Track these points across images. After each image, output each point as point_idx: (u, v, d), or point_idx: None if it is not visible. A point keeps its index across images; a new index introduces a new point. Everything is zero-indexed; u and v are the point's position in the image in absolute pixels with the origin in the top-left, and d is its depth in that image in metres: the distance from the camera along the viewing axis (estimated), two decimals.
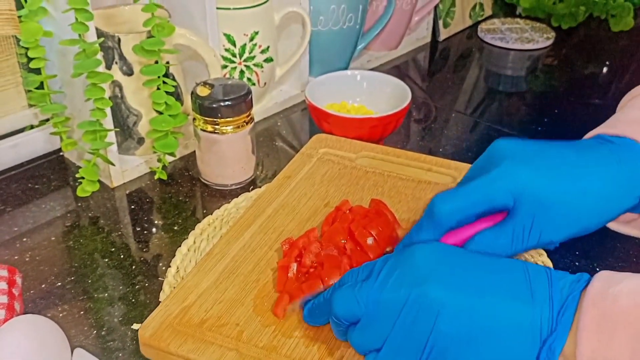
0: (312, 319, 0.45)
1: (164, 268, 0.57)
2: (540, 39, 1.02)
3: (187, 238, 0.57)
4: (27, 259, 0.57)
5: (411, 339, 0.38)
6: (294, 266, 0.50)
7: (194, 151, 0.70)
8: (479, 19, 1.09)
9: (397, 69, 0.95)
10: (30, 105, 0.67)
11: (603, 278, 0.37)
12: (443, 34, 1.03)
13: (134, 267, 0.57)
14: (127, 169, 0.67)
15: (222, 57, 0.72)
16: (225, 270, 0.51)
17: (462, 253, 0.41)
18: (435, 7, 1.00)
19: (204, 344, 0.44)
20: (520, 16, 1.11)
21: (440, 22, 1.02)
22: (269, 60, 0.75)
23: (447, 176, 0.62)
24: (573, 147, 0.45)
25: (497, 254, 0.42)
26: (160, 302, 0.51)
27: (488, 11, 1.11)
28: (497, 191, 0.43)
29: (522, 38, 1.02)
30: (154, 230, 0.61)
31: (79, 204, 0.64)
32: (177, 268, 0.54)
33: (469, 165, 0.62)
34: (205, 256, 0.52)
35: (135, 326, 0.51)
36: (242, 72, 0.74)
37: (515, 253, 0.43)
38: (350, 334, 0.41)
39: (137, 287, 0.54)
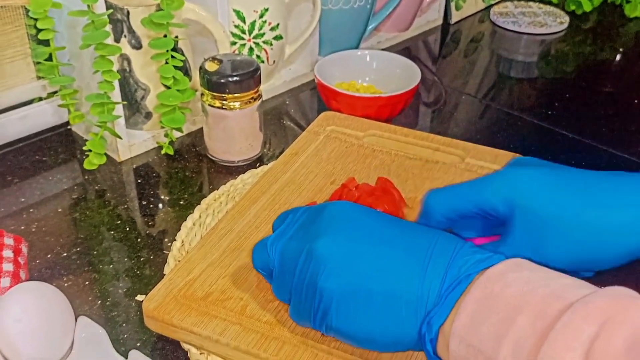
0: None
1: (169, 243, 0.57)
2: (554, 23, 1.00)
3: (193, 212, 0.57)
4: (33, 229, 0.57)
5: (306, 293, 0.39)
6: None
7: (201, 127, 0.69)
8: (492, 2, 1.08)
9: (408, 51, 0.94)
10: (39, 78, 0.67)
11: (511, 264, 0.35)
12: (455, 17, 1.01)
13: (139, 240, 0.57)
14: (134, 143, 0.67)
15: (232, 33, 0.72)
16: (230, 246, 0.51)
17: (375, 214, 0.41)
18: None
19: (208, 317, 0.44)
20: (533, 0, 1.10)
21: (452, 5, 1.00)
22: (278, 38, 0.75)
23: (455, 156, 0.62)
24: (592, 172, 0.41)
25: None
26: (164, 275, 0.51)
27: None
28: (490, 192, 0.41)
29: (535, 22, 1.01)
30: (159, 204, 0.61)
31: (86, 177, 0.64)
32: (182, 242, 0.54)
33: (477, 146, 0.63)
34: (211, 231, 0.52)
35: (139, 297, 0.51)
36: (251, 49, 0.73)
37: None
38: (272, 284, 0.43)
39: (142, 259, 0.55)
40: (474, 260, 0.36)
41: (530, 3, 1.08)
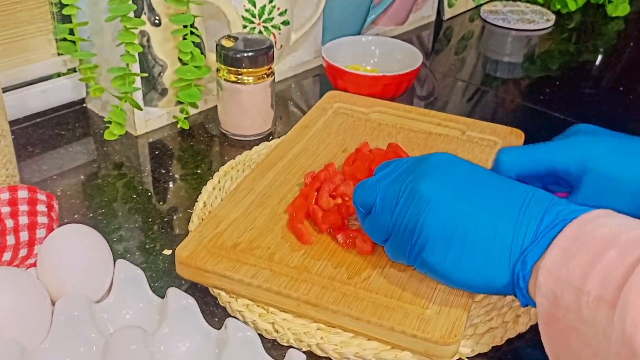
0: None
1: (187, 208, 0.59)
2: (541, 20, 1.06)
3: (212, 178, 0.60)
4: (59, 193, 0.59)
5: (405, 228, 0.41)
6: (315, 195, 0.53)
7: (214, 106, 0.72)
8: (482, 1, 1.13)
9: None
10: (59, 54, 0.69)
11: (603, 212, 0.37)
12: (448, 13, 1.06)
13: (161, 204, 0.59)
14: (149, 118, 0.69)
15: (242, 17, 0.75)
16: (254, 203, 0.54)
17: (477, 167, 0.43)
18: None
19: (238, 263, 0.47)
20: (520, 0, 1.15)
21: (445, 2, 1.05)
22: (286, 23, 0.78)
23: (456, 130, 0.65)
24: None
25: None
26: (190, 232, 0.54)
27: None
28: (563, 155, 0.46)
29: (523, 19, 1.06)
30: (176, 176, 0.64)
31: (104, 149, 0.67)
32: (204, 203, 0.57)
33: (476, 120, 0.66)
34: (233, 190, 0.55)
35: (166, 252, 0.53)
36: (260, 32, 0.77)
37: None
38: (365, 222, 0.45)
39: (165, 219, 0.57)
40: (570, 209, 0.38)
41: (518, 2, 1.13)
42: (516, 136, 0.64)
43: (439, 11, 1.06)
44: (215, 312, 0.47)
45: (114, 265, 0.45)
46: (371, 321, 0.43)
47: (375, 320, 0.43)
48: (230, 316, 0.46)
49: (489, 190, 0.41)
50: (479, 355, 0.45)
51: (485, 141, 0.64)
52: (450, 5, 1.06)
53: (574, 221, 0.37)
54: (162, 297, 0.44)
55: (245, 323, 0.44)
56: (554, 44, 1.03)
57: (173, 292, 0.43)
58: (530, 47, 1.02)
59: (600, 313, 0.33)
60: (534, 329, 0.47)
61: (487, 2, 1.13)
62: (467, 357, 0.44)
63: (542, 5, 1.12)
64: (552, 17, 1.07)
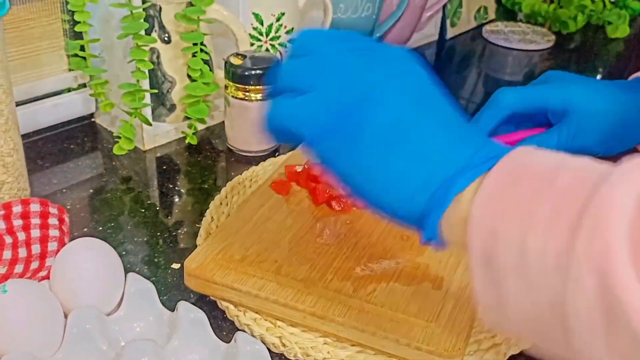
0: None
1: (194, 223, 0.60)
2: (542, 41, 1.07)
3: (220, 193, 0.61)
4: (68, 207, 0.60)
5: (348, 121, 0.35)
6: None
7: (221, 122, 0.73)
8: (483, 21, 1.14)
9: None
10: (70, 70, 0.71)
11: (534, 148, 0.34)
12: (450, 33, 1.08)
13: (167, 218, 0.60)
14: (157, 133, 0.70)
15: (250, 35, 0.76)
16: (262, 216, 0.55)
17: (432, 84, 0.39)
18: (444, 7, 1.05)
19: (246, 276, 0.48)
20: (521, 21, 1.17)
21: (448, 22, 1.07)
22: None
23: None
24: (615, 82, 0.57)
25: None
26: (198, 245, 0.55)
27: (492, 15, 1.17)
28: (553, 94, 0.53)
29: (524, 39, 1.07)
30: (181, 190, 0.65)
31: (113, 163, 0.68)
32: (212, 217, 0.58)
33: None
34: (241, 205, 0.56)
35: (174, 265, 0.54)
36: (267, 50, 0.78)
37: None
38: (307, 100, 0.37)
39: (173, 234, 0.58)
40: (504, 147, 0.35)
41: (520, 23, 1.15)
42: None
43: (442, 30, 1.08)
44: (223, 326, 0.48)
45: (125, 279, 0.46)
46: (376, 333, 0.44)
47: (381, 332, 0.44)
48: (239, 330, 0.47)
49: (439, 105, 0.37)
50: None
51: None
52: (452, 25, 1.08)
53: (509, 154, 0.33)
54: (171, 310, 0.45)
55: (253, 336, 0.45)
56: (554, 63, 1.04)
57: (183, 306, 0.44)
58: (530, 66, 1.03)
59: (554, 243, 0.29)
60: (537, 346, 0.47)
61: (488, 22, 1.15)
62: None
63: (542, 25, 1.14)
64: (553, 37, 1.09)
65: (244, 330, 0.46)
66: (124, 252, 0.55)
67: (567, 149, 0.49)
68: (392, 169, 0.35)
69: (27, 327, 0.40)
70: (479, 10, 1.13)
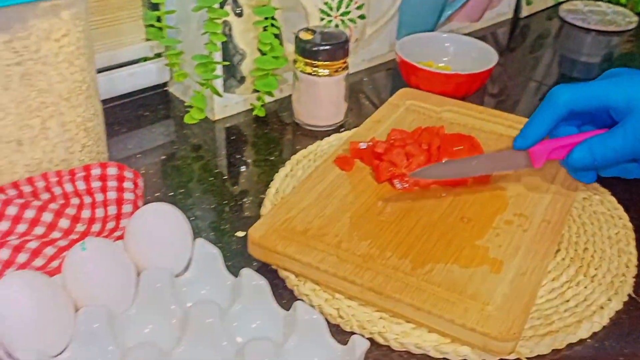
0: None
1: (259, 192, 0.62)
2: (622, 22, 1.03)
3: (285, 166, 0.63)
4: (142, 171, 0.63)
5: None
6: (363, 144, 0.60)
7: (288, 95, 0.75)
8: (561, 0, 1.11)
9: None
10: (147, 40, 0.73)
11: None
12: (525, 11, 1.05)
13: (233, 187, 0.62)
14: (227, 104, 0.73)
15: (320, 10, 0.77)
16: (325, 191, 0.56)
17: None
18: None
19: (308, 248, 0.50)
20: (602, 0, 1.13)
21: (523, 0, 1.04)
22: (362, 17, 0.80)
23: None
24: None
25: (600, 161, 0.48)
26: (261, 215, 0.57)
27: None
28: (615, 90, 0.49)
29: (604, 20, 1.03)
30: (250, 161, 0.67)
31: (184, 131, 0.70)
32: (277, 189, 0.60)
33: None
34: (306, 178, 0.58)
35: (239, 234, 0.56)
36: (337, 25, 0.78)
37: (624, 155, 0.49)
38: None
39: (239, 202, 0.60)
40: None
41: (600, 2, 1.10)
42: None
43: (517, 8, 1.05)
44: (283, 294, 0.50)
45: (193, 243, 0.48)
46: (432, 312, 0.45)
47: (436, 311, 0.45)
48: (298, 299, 0.49)
49: None
50: (538, 357, 0.46)
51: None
52: (528, 3, 1.05)
53: None
54: (235, 276, 0.47)
55: (312, 306, 0.47)
56: (635, 47, 1.00)
57: (246, 272, 0.46)
58: (610, 48, 1.00)
59: None
60: (596, 336, 0.47)
61: (566, 1, 1.11)
62: (526, 358, 0.45)
63: (624, 6, 1.09)
64: (635, 19, 1.04)
65: (302, 300, 0.48)
66: (192, 218, 0.57)
67: (633, 150, 0.48)
68: None
69: (103, 283, 0.43)
70: None
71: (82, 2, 0.54)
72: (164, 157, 0.66)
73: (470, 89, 0.74)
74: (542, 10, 1.08)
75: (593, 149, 0.49)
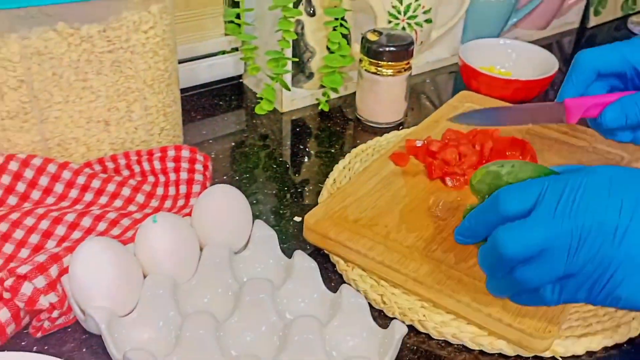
0: (465, 238, 0.43)
1: (318, 182, 0.63)
2: None
3: (344, 158, 0.64)
4: (212, 155, 0.65)
5: (594, 268, 0.36)
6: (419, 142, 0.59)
7: (352, 93, 0.75)
8: (630, 12, 1.06)
9: None
10: (226, 34, 0.75)
11: None
12: (592, 21, 1.01)
13: (296, 176, 0.64)
14: (295, 98, 0.74)
15: (389, 13, 0.77)
16: (379, 184, 0.56)
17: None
18: None
19: (358, 236, 0.50)
20: None
21: (592, 10, 1.00)
22: (428, 21, 0.79)
23: (583, 140, 0.64)
24: None
25: (634, 120, 0.47)
26: (318, 203, 0.58)
27: None
28: (637, 51, 0.47)
29: None
30: (312, 152, 0.68)
31: (253, 121, 0.72)
32: (334, 180, 0.61)
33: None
34: (362, 171, 0.58)
35: (296, 218, 0.57)
36: (403, 28, 0.78)
37: None
38: (525, 270, 0.38)
39: (299, 190, 0.61)
40: None
41: None
42: None
43: (584, 18, 1.01)
44: (332, 278, 0.51)
45: (253, 224, 0.50)
46: (471, 305, 0.45)
47: (475, 304, 0.45)
48: (345, 283, 0.50)
49: None
50: (573, 357, 0.45)
51: (612, 155, 0.62)
52: (596, 14, 1.01)
53: None
54: (289, 257, 0.49)
55: (358, 291, 0.48)
56: None
57: (299, 255, 0.47)
58: None
59: None
60: (633, 341, 0.46)
61: (636, 13, 1.06)
62: (561, 357, 0.44)
63: None
64: None
65: (349, 284, 0.49)
66: (254, 201, 0.59)
67: None
68: None
69: (169, 254, 0.45)
70: (627, 0, 1.05)
71: None
72: (233, 143, 0.68)
73: (529, 95, 0.72)
74: (611, 21, 1.04)
75: (625, 107, 0.48)
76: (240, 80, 0.79)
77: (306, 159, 0.67)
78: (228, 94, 0.77)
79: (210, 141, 0.68)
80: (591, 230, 0.36)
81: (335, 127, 0.72)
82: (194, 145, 0.67)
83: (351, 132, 0.72)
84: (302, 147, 0.68)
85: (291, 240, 0.55)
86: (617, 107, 0.48)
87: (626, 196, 0.36)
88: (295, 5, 0.69)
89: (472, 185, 0.45)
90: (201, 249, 0.48)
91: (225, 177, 0.62)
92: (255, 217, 0.55)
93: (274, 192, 0.61)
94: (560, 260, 0.37)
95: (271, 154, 0.67)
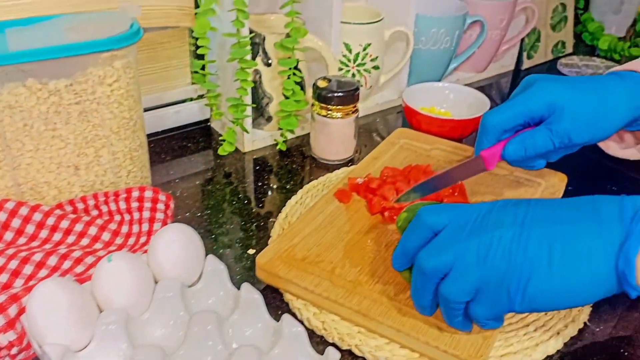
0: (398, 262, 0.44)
1: (275, 216, 0.62)
2: None
3: (296, 194, 0.63)
4: (177, 194, 0.64)
5: (503, 276, 0.37)
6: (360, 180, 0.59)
7: (308, 133, 0.75)
8: (560, 54, 1.08)
9: (482, 90, 0.95)
10: (192, 83, 0.75)
11: None
12: (526, 64, 1.03)
13: (253, 212, 0.63)
14: (255, 139, 0.74)
15: (340, 61, 0.78)
16: (325, 221, 0.56)
17: (544, 203, 0.40)
18: (522, 40, 1.00)
19: (305, 273, 0.49)
20: (598, 56, 1.09)
21: (525, 54, 1.02)
22: (376, 67, 0.80)
23: (505, 170, 0.64)
24: (588, 76, 0.53)
25: (531, 152, 0.49)
26: (271, 236, 0.57)
27: (569, 49, 1.10)
28: (536, 102, 0.48)
29: (597, 73, 1.00)
30: (270, 188, 0.67)
31: (218, 161, 0.72)
32: (286, 215, 0.60)
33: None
34: (309, 210, 0.57)
35: (250, 251, 0.56)
36: (354, 74, 0.79)
37: (549, 146, 0.48)
38: (442, 286, 0.40)
39: (254, 226, 0.61)
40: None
41: (594, 58, 1.07)
42: (559, 179, 0.62)
43: (518, 61, 1.03)
44: (281, 306, 0.50)
45: (205, 259, 0.49)
46: (410, 334, 0.44)
47: (414, 334, 0.44)
48: (291, 312, 0.49)
49: (564, 213, 0.38)
50: None
51: (531, 182, 0.62)
52: (529, 57, 1.03)
53: None
54: (239, 289, 0.48)
55: (301, 321, 0.47)
56: None
57: (245, 287, 0.46)
58: None
59: None
60: (551, 359, 0.45)
61: (565, 56, 1.08)
62: None
63: (617, 62, 1.05)
64: None
65: (294, 313, 0.48)
66: (213, 235, 0.58)
67: (557, 144, 0.48)
68: (572, 285, 0.37)
69: (124, 291, 0.44)
70: (556, 45, 1.07)
71: (132, 54, 0.56)
72: (198, 182, 0.67)
73: (464, 132, 0.73)
74: (542, 64, 1.06)
75: (523, 141, 0.49)
76: (209, 124, 0.79)
77: (266, 194, 0.66)
78: (196, 137, 0.76)
79: (177, 180, 0.67)
80: (492, 242, 0.38)
81: (292, 165, 0.72)
82: (161, 184, 0.66)
83: (307, 168, 0.72)
84: (260, 183, 0.68)
85: (248, 270, 0.54)
86: (516, 142, 0.49)
87: (518, 212, 0.39)
88: (253, 57, 0.69)
89: (398, 227, 0.47)
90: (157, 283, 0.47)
91: (188, 214, 0.61)
92: (214, 250, 0.55)
93: (232, 226, 0.60)
94: (472, 270, 0.38)
95: (233, 191, 0.67)
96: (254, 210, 0.63)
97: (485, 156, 0.52)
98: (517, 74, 1.02)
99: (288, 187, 0.67)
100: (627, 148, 0.63)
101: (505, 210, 0.39)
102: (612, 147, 0.64)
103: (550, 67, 1.05)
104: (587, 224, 0.37)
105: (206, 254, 0.49)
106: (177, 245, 0.47)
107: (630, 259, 0.35)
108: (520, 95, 0.50)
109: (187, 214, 0.61)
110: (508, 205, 0.40)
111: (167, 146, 0.74)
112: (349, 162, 0.72)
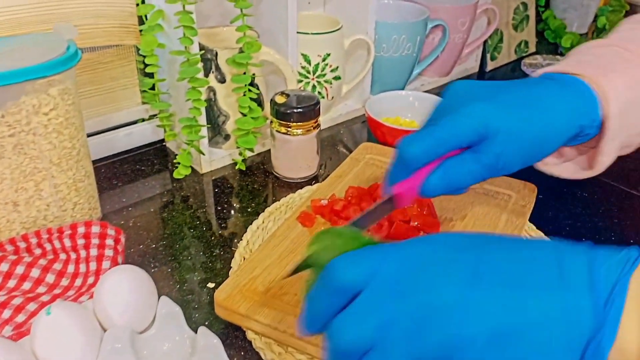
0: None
1: (237, 242, 0.59)
2: None
3: (257, 218, 0.60)
4: (130, 224, 0.60)
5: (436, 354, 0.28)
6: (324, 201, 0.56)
7: (269, 149, 0.72)
8: (523, 54, 1.07)
9: None
10: (143, 103, 0.71)
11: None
12: (490, 66, 1.01)
13: (213, 238, 0.59)
14: (214, 159, 0.70)
15: (299, 73, 0.74)
16: (287, 249, 0.52)
17: (482, 240, 0.31)
18: (485, 42, 0.99)
19: (268, 308, 0.46)
20: (561, 54, 1.09)
21: (488, 55, 1.00)
22: (337, 78, 0.77)
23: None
24: (522, 85, 0.43)
25: (455, 186, 0.40)
26: (232, 267, 0.53)
27: (532, 48, 1.09)
28: (463, 128, 0.39)
29: None
30: (231, 210, 0.64)
31: (174, 185, 0.68)
32: (247, 242, 0.57)
33: (506, 179, 0.62)
34: (270, 237, 0.54)
35: (210, 285, 0.53)
36: (314, 86, 0.76)
37: (479, 178, 0.41)
38: None
39: (214, 254, 0.57)
40: (616, 263, 0.28)
41: (557, 56, 1.06)
42: (529, 190, 0.60)
43: (482, 63, 1.01)
44: (243, 346, 0.47)
45: (158, 301, 0.45)
46: None
47: None
48: (254, 351, 0.45)
49: (524, 267, 0.29)
50: None
51: (500, 194, 0.60)
52: (492, 59, 1.01)
53: (632, 277, 0.27)
54: (195, 331, 0.44)
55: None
56: None
57: (202, 331, 0.42)
58: None
59: None
60: None
61: (528, 56, 1.07)
62: None
63: None
64: None
65: (257, 353, 0.45)
66: (169, 269, 0.54)
67: (490, 171, 0.40)
68: None
69: (66, 345, 0.40)
70: (519, 45, 1.06)
71: (70, 78, 0.52)
72: (152, 209, 0.63)
73: None
74: (506, 64, 1.05)
75: (448, 176, 0.40)
76: (164, 144, 0.75)
77: (227, 218, 0.62)
78: (151, 159, 0.72)
79: (130, 208, 0.63)
80: (431, 306, 0.28)
81: (254, 185, 0.68)
82: (113, 212, 0.62)
83: (270, 187, 0.68)
84: (220, 207, 0.64)
85: (207, 306, 0.50)
86: (438, 176, 0.40)
87: (468, 262, 0.29)
88: (206, 74, 0.66)
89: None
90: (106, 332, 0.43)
91: (141, 246, 0.57)
92: (171, 285, 0.51)
93: (190, 258, 0.56)
94: (402, 347, 0.28)
95: (192, 216, 0.63)
96: (214, 237, 0.59)
97: (399, 193, 0.41)
98: (482, 76, 1.01)
99: (250, 209, 0.64)
100: (567, 161, 0.52)
101: (450, 257, 0.29)
102: (549, 163, 0.53)
103: (514, 68, 1.04)
104: (551, 294, 0.27)
105: (162, 292, 0.46)
106: (125, 289, 0.43)
107: (604, 352, 0.27)
108: (445, 119, 0.40)
109: (141, 246, 0.57)
110: (454, 249, 0.30)
111: (119, 171, 0.69)
112: (313, 179, 0.69)
